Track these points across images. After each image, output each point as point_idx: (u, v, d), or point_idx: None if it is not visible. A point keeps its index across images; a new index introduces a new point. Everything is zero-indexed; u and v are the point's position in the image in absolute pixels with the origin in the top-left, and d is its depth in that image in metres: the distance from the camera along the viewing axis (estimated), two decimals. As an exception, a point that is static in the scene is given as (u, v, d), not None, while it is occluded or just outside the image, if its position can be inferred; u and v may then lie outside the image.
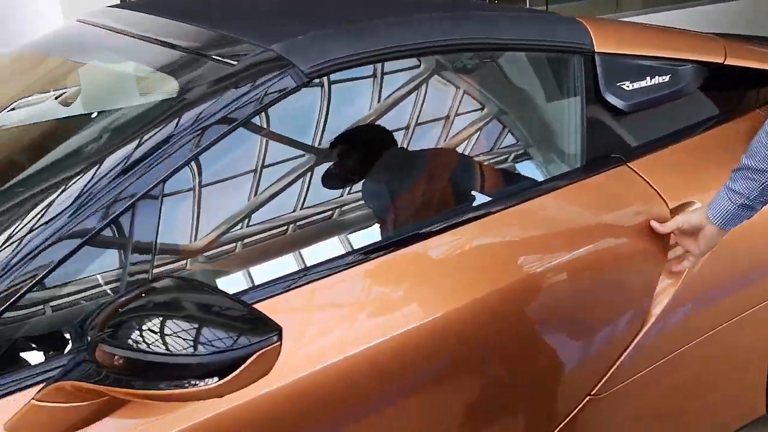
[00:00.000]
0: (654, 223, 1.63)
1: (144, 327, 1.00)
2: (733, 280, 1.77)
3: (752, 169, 1.49)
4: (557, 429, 1.59)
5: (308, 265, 1.34)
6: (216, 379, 0.98)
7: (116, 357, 0.98)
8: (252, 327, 1.00)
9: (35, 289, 1.09)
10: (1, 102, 1.70)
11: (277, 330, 0.98)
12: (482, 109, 1.76)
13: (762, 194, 1.50)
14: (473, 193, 1.70)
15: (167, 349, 0.98)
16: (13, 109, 1.69)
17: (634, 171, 1.71)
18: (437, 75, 1.69)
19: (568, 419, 1.60)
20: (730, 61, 1.89)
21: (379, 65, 1.51)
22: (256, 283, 1.29)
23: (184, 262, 1.29)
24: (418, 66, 1.63)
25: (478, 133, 1.72)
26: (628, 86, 1.74)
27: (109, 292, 1.19)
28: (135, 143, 1.24)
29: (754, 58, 1.95)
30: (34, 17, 3.46)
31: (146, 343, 0.99)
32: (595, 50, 1.71)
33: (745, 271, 1.79)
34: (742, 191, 1.51)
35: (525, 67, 1.75)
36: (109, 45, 1.69)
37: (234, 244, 1.37)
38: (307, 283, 1.29)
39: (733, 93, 1.97)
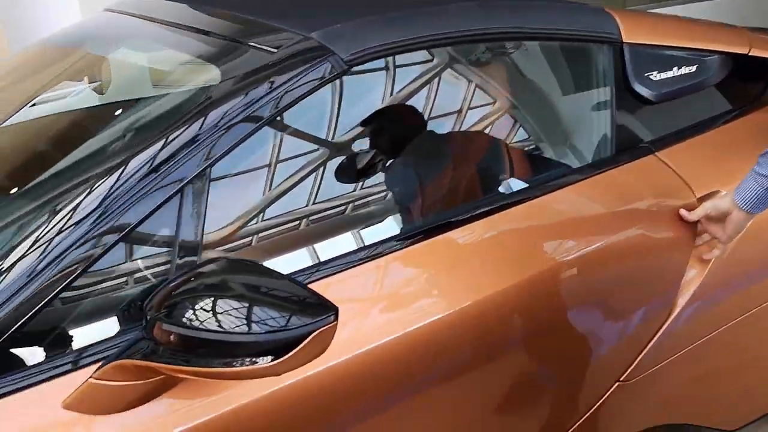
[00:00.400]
0: (683, 212, 1.64)
1: (198, 307, 1.02)
2: (760, 266, 1.79)
3: None
4: (587, 414, 1.61)
5: (333, 256, 1.34)
6: (270, 357, 1.00)
7: (173, 334, 1.00)
8: (307, 306, 1.01)
9: (88, 271, 1.11)
10: (33, 93, 1.72)
11: (334, 310, 1.00)
12: (512, 98, 1.78)
13: None
14: (502, 181, 1.71)
15: (222, 327, 1.00)
16: (46, 101, 1.71)
17: (662, 161, 1.72)
18: (468, 64, 1.70)
19: (597, 405, 1.61)
20: (755, 52, 1.91)
21: (412, 54, 1.53)
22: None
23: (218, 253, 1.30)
24: (450, 55, 1.64)
25: (507, 121, 1.74)
26: (655, 76, 1.76)
27: (150, 277, 1.21)
28: (181, 130, 1.26)
29: (779, 50, 1.96)
30: (52, 12, 3.46)
31: (201, 322, 1.01)
32: (623, 40, 1.73)
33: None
34: None
35: (556, 56, 1.76)
36: (143, 33, 1.70)
37: (258, 237, 1.38)
38: (324, 276, 1.30)
39: (758, 84, 1.98)
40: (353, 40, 1.39)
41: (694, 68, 1.81)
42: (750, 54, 1.91)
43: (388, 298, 1.35)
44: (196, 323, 1.00)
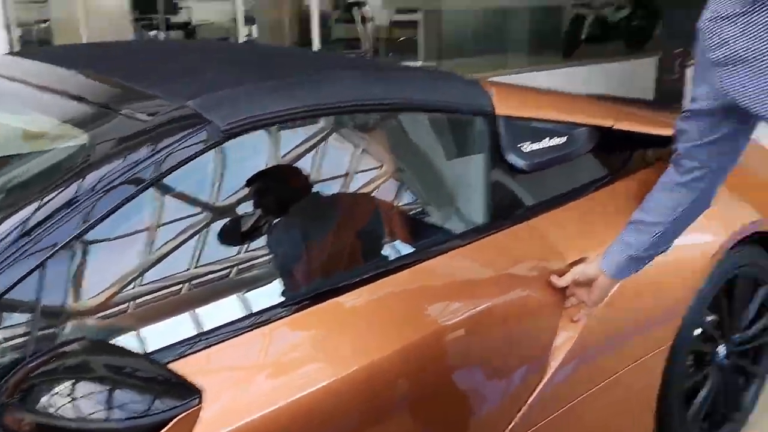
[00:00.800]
0: (553, 278, 1.71)
1: (56, 391, 0.97)
2: (625, 331, 1.88)
3: (644, 222, 1.60)
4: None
5: (211, 327, 1.31)
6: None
7: (26, 422, 0.94)
8: (170, 389, 0.98)
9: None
10: None
11: (198, 393, 0.97)
12: (396, 164, 1.82)
13: (652, 246, 1.61)
14: (382, 248, 1.74)
15: (81, 414, 0.95)
16: None
17: (535, 228, 1.80)
18: (354, 129, 1.73)
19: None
20: (619, 125, 2.04)
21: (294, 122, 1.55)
22: (152, 348, 1.24)
23: (94, 322, 1.25)
24: (334, 123, 1.67)
25: (392, 187, 1.78)
26: (527, 147, 1.84)
27: (10, 353, 1.14)
28: (44, 200, 1.21)
29: (641, 123, 2.10)
30: None
31: (58, 408, 0.96)
32: (496, 112, 1.80)
33: (636, 323, 1.90)
34: (634, 243, 1.61)
35: (434, 126, 1.82)
36: (10, 95, 1.64)
37: (135, 304, 1.34)
38: (207, 347, 1.26)
39: (624, 154, 2.11)
40: (231, 109, 1.38)
41: (563, 140, 1.92)
42: (615, 127, 2.03)
43: (273, 366, 1.33)
44: (52, 410, 0.95)
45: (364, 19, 8.71)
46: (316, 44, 7.11)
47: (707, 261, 2.01)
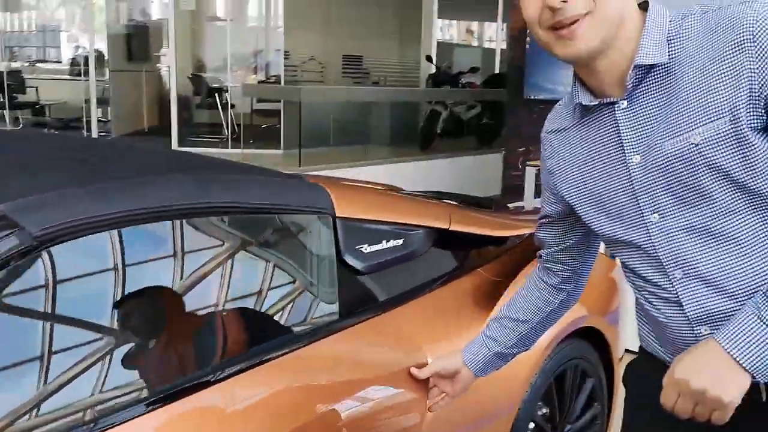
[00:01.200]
0: (414, 370, 1.74)
1: None
2: (464, 427, 1.91)
3: (511, 319, 1.62)
4: None
5: None
6: None
7: None
8: None
9: None
10: None
11: None
12: (234, 268, 1.79)
13: (517, 344, 1.63)
14: (229, 347, 1.69)
15: None
16: None
17: (385, 323, 1.82)
18: (193, 234, 1.69)
19: None
20: (454, 227, 2.12)
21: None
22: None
23: None
24: (173, 226, 1.62)
25: (238, 288, 1.74)
26: (365, 249, 1.87)
27: None
28: None
29: (474, 224, 2.21)
30: None
31: None
32: (336, 214, 1.82)
33: (473, 417, 1.94)
34: (500, 339, 1.63)
35: (277, 228, 1.81)
36: None
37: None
38: None
39: (461, 253, 2.19)
40: (45, 214, 1.30)
41: (401, 241, 1.96)
42: (450, 229, 2.11)
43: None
44: None
45: (225, 105, 8.74)
46: (174, 129, 7.03)
47: (540, 354, 2.09)
